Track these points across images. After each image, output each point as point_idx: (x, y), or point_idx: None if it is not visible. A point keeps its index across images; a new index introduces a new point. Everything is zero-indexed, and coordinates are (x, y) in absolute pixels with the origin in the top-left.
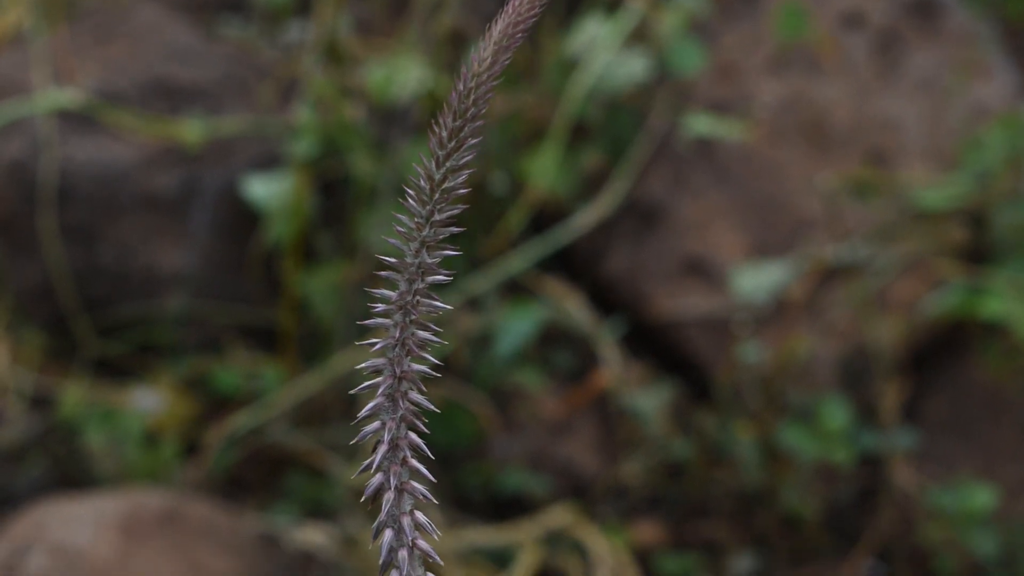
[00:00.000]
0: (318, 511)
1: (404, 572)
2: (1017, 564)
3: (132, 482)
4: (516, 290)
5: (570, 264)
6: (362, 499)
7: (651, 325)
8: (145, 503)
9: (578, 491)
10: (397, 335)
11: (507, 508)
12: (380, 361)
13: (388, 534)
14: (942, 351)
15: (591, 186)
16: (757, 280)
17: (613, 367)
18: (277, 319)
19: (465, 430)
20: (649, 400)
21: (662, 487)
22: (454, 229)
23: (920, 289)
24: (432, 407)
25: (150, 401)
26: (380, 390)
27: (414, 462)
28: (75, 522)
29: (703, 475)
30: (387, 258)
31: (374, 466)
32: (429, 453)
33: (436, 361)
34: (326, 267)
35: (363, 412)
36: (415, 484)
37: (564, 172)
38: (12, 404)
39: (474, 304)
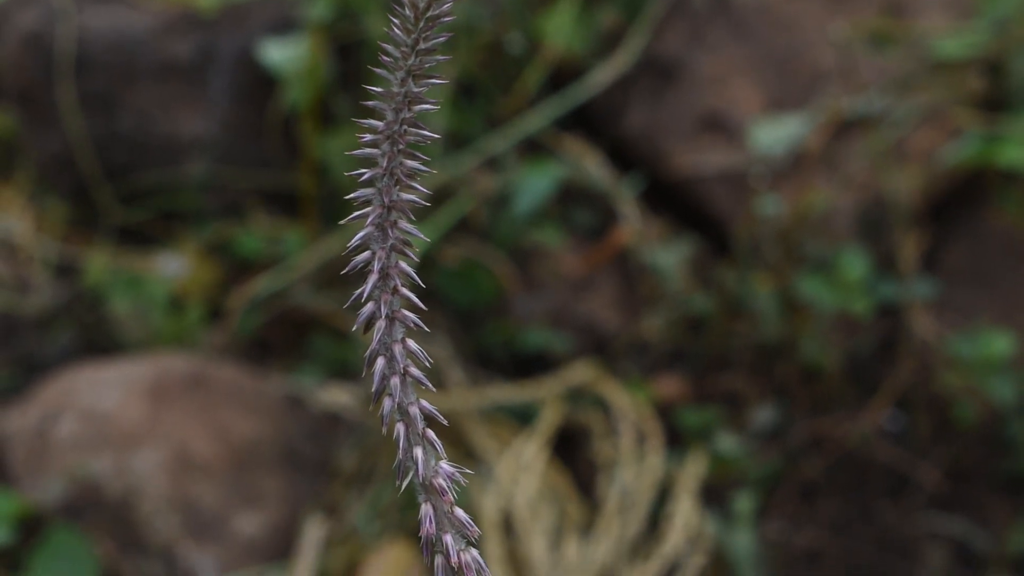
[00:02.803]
0: (342, 372)
1: (397, 399)
2: None
3: (158, 347)
4: (534, 149)
5: (588, 122)
6: (354, 328)
7: (670, 181)
8: (171, 367)
9: (600, 347)
10: (385, 164)
11: (529, 366)
12: (369, 191)
13: (380, 362)
14: (960, 200)
15: (608, 44)
16: (775, 133)
17: (633, 224)
18: (297, 183)
19: (486, 289)
20: (669, 256)
21: (683, 342)
22: (440, 57)
23: (938, 139)
24: (421, 236)
25: (174, 267)
26: (369, 219)
27: (405, 291)
28: (103, 387)
29: (723, 329)
30: (374, 89)
31: (365, 295)
32: (419, 281)
33: (425, 191)
34: (344, 130)
35: (352, 242)
36: (406, 312)
37: (580, 30)
38: (38, 272)
39: (492, 163)
